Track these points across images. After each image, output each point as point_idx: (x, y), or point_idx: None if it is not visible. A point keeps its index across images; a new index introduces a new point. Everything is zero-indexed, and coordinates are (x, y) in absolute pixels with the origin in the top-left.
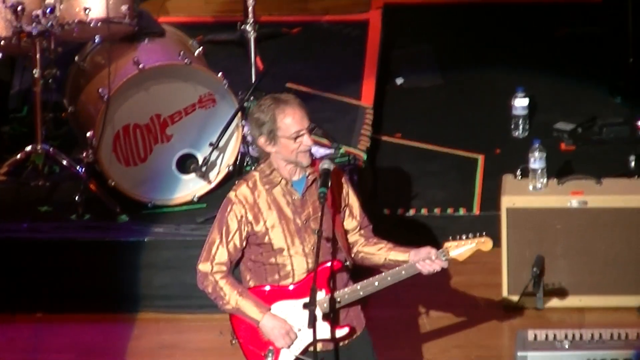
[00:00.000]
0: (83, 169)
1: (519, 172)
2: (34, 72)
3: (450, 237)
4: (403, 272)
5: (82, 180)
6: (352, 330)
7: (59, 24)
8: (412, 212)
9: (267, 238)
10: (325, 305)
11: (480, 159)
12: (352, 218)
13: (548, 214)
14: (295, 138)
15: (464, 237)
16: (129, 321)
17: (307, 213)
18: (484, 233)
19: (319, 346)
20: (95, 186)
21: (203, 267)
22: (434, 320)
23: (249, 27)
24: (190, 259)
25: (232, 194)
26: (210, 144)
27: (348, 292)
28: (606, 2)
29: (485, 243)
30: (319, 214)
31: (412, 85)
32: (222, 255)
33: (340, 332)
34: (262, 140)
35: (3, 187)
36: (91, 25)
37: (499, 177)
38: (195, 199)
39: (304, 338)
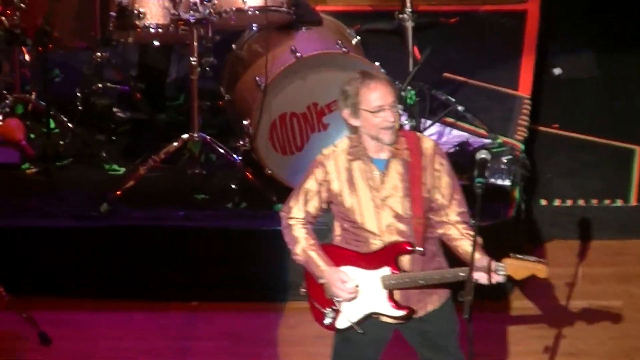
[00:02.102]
0: (240, 158)
1: None
2: (191, 60)
3: (511, 254)
4: (461, 273)
5: (239, 168)
6: (411, 312)
7: (216, 11)
8: (569, 202)
9: (343, 206)
10: (385, 282)
11: (637, 150)
12: (441, 197)
13: None
14: (377, 112)
15: (526, 257)
16: (283, 310)
17: (385, 191)
18: (542, 260)
19: (386, 320)
20: (252, 175)
21: (284, 212)
22: (588, 310)
23: (406, 16)
24: None
25: (319, 157)
26: None
27: (408, 277)
28: None
29: (541, 270)
30: (400, 194)
31: (569, 75)
32: (300, 210)
33: (398, 312)
34: (346, 113)
35: (160, 175)
36: (249, 13)
37: None
38: None
39: (362, 307)
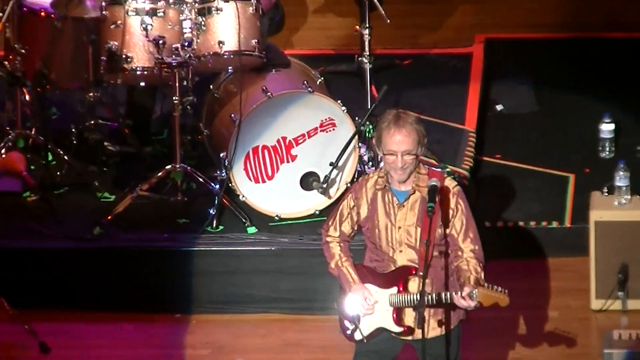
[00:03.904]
0: (217, 186)
1: (605, 189)
2: (173, 99)
3: (483, 284)
4: (444, 297)
5: (216, 195)
6: (409, 330)
7: (195, 55)
8: (510, 224)
9: (368, 229)
10: (391, 300)
11: (572, 177)
12: (456, 234)
13: (632, 226)
14: (388, 155)
15: (493, 288)
16: (257, 321)
17: (404, 220)
18: (505, 291)
19: (392, 335)
20: (228, 201)
21: (324, 230)
22: (530, 320)
23: (365, 59)
24: (312, 266)
25: (354, 186)
26: (331, 164)
27: (407, 297)
28: None
29: (503, 300)
30: (416, 225)
31: (510, 111)
32: (335, 230)
33: (398, 329)
34: (374, 142)
35: (146, 202)
36: (224, 57)
37: (588, 194)
38: (317, 212)
39: (374, 321)
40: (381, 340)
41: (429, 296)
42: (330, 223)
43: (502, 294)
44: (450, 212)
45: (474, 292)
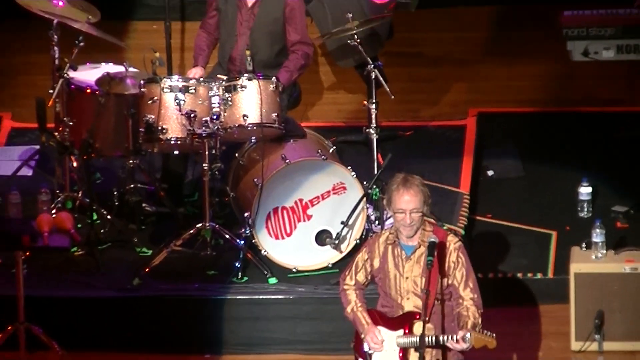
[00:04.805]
0: (242, 242)
1: (584, 245)
2: (203, 165)
3: (475, 329)
4: (442, 340)
5: (241, 250)
6: None
7: (223, 127)
8: (500, 275)
9: (379, 278)
10: (398, 341)
11: (554, 234)
12: (457, 284)
13: (607, 277)
14: (398, 213)
15: (484, 332)
16: None
17: (411, 272)
18: (494, 335)
19: None
20: (252, 255)
21: (341, 279)
22: (516, 359)
23: (372, 131)
24: (326, 312)
25: (368, 241)
26: (342, 222)
27: (411, 339)
28: None
29: (491, 343)
30: (422, 275)
31: (500, 176)
32: (352, 279)
33: None
34: (384, 202)
35: (179, 256)
36: (248, 128)
37: (568, 249)
38: (330, 265)
39: (382, 359)
40: None
41: (429, 338)
42: (347, 273)
43: (491, 338)
44: (452, 264)
45: (467, 335)
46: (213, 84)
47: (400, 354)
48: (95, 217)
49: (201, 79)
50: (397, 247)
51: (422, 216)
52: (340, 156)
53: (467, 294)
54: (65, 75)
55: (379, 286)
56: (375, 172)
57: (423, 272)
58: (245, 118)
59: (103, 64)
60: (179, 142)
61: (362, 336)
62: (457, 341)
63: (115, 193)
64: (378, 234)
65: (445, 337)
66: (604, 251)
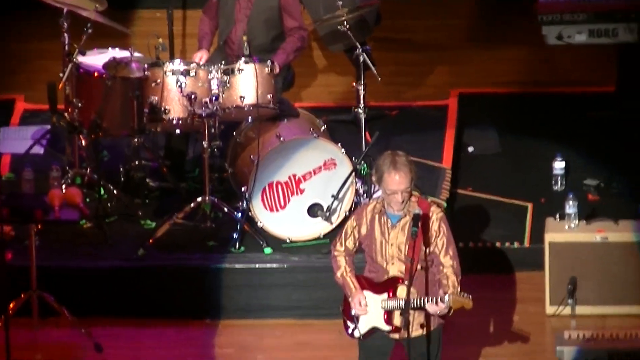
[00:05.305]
0: (239, 214)
1: (558, 216)
2: (203, 143)
3: (451, 291)
4: (423, 302)
5: (239, 222)
6: (396, 329)
7: (221, 108)
8: (480, 244)
9: (367, 246)
10: (382, 304)
11: (530, 206)
12: (438, 251)
13: (579, 246)
14: (390, 194)
15: (461, 294)
16: (273, 325)
17: (396, 239)
18: (470, 296)
19: (385, 333)
20: (248, 227)
21: (332, 245)
22: (496, 323)
23: (360, 110)
24: (318, 280)
25: (357, 210)
26: (332, 196)
27: (395, 302)
28: (619, 91)
29: (468, 303)
30: (406, 243)
31: (479, 152)
32: (341, 245)
33: (387, 327)
34: (374, 179)
35: (181, 228)
36: (245, 109)
37: (544, 220)
38: (321, 236)
39: (369, 322)
40: (377, 338)
41: (413, 301)
42: (337, 240)
43: (467, 299)
44: (434, 233)
45: (446, 297)
46: (212, 67)
47: (385, 316)
48: (102, 192)
49: (201, 63)
50: (383, 216)
51: (410, 191)
52: (331, 134)
53: (447, 260)
54: (74, 60)
55: (366, 252)
56: (364, 149)
57: (407, 240)
58: (242, 99)
59: (110, 49)
60: (180, 122)
61: (349, 300)
62: (437, 303)
63: (121, 170)
64: (366, 203)
65: (425, 299)
66: (577, 222)
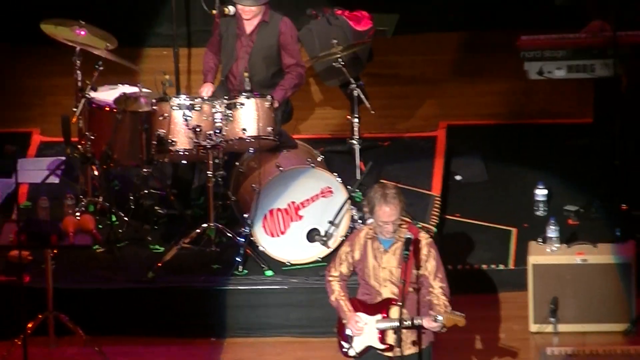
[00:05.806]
0: (242, 239)
1: (540, 240)
2: (208, 173)
3: (445, 310)
4: (416, 322)
5: (242, 247)
6: (390, 348)
7: (225, 140)
8: (467, 267)
9: (360, 270)
10: (377, 324)
11: (514, 230)
12: (428, 274)
13: (561, 268)
14: (382, 224)
15: (454, 312)
16: (274, 343)
17: (388, 263)
18: (463, 315)
19: (379, 352)
20: (250, 251)
21: (327, 271)
22: (483, 340)
23: (355, 141)
24: (316, 300)
25: (350, 236)
26: (329, 222)
27: (389, 322)
28: (596, 122)
29: (461, 321)
30: (397, 266)
31: (466, 180)
32: (336, 270)
33: (381, 346)
34: (366, 210)
35: (188, 252)
36: (247, 140)
37: (527, 243)
38: (319, 259)
39: (363, 341)
40: (370, 356)
41: (405, 321)
42: (331, 265)
43: (461, 317)
44: (424, 257)
45: (438, 317)
46: (216, 101)
47: (379, 336)
48: (114, 218)
49: (208, 96)
50: (375, 241)
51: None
52: (328, 164)
53: (436, 283)
54: (87, 95)
55: (359, 275)
56: (358, 178)
57: (398, 263)
58: (244, 131)
59: (120, 85)
60: (186, 153)
61: (344, 322)
62: (432, 321)
63: (131, 198)
64: (359, 229)
65: (420, 319)
66: (558, 245)
